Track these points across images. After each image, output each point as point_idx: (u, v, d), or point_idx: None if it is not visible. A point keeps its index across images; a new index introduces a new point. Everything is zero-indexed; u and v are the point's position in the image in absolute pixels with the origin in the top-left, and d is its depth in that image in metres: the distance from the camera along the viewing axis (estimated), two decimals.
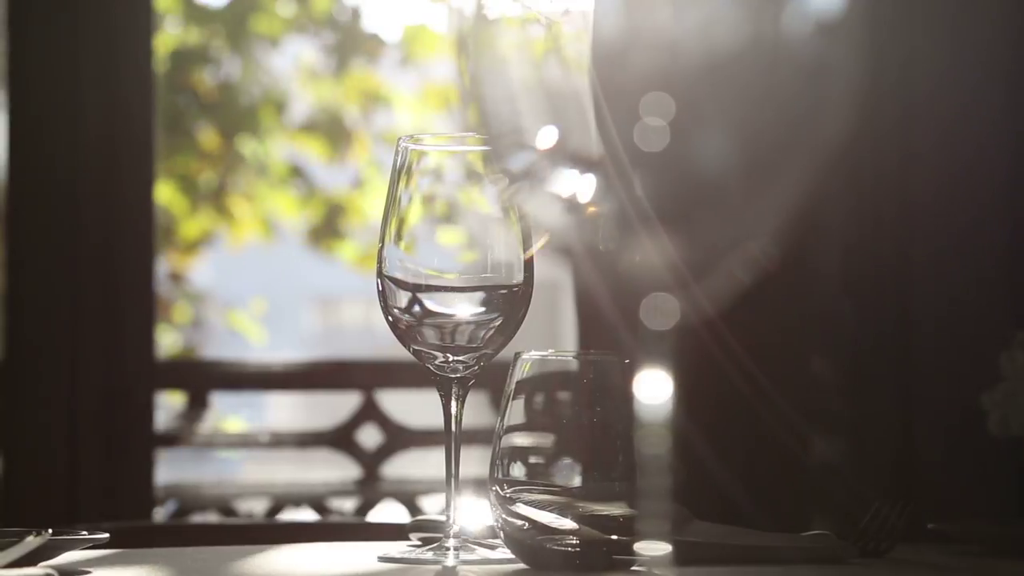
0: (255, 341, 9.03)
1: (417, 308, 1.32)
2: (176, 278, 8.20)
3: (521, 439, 1.24)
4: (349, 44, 7.95)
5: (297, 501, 3.42)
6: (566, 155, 0.70)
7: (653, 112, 0.66)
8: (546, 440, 1.24)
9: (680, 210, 0.68)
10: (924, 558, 1.42)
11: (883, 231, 2.10)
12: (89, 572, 1.20)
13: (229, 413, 7.89)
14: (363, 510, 3.43)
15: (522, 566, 1.23)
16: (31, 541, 1.12)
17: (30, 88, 3.13)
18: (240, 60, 7.99)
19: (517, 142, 0.71)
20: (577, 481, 1.22)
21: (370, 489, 3.42)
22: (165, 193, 7.75)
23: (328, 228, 8.12)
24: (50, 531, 1.16)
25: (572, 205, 0.71)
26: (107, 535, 1.25)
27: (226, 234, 8.17)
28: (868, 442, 2.06)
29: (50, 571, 1.05)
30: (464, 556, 1.28)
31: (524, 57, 0.70)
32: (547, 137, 0.71)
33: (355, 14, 8.00)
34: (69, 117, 3.11)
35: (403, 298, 1.32)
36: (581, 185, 0.70)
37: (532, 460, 1.23)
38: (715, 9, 0.65)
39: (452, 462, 1.32)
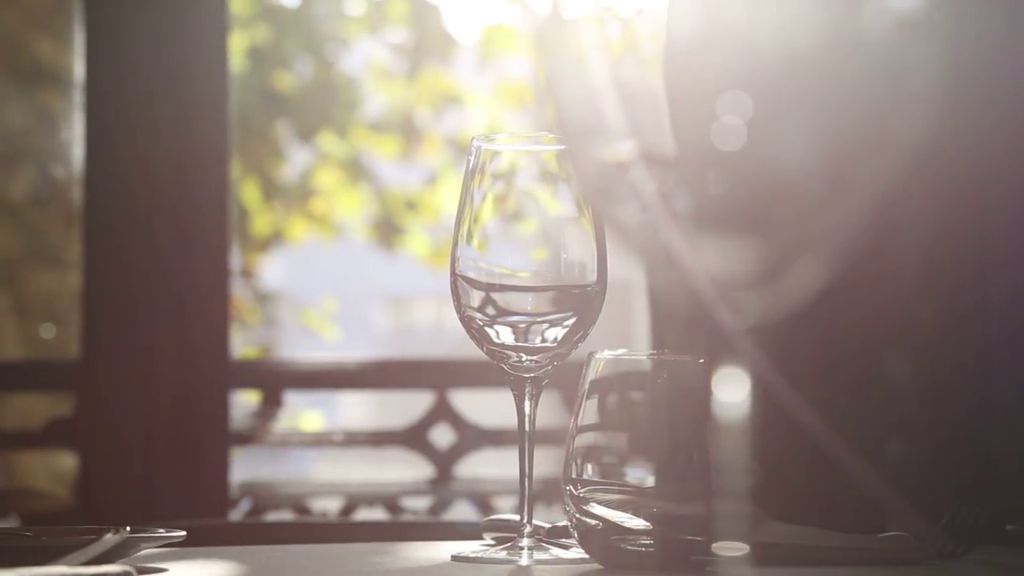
0: (328, 338, 9.08)
1: (490, 307, 1.32)
2: (247, 275, 8.25)
3: (595, 439, 1.24)
4: (423, 45, 7.97)
5: (370, 500, 3.43)
6: (642, 154, 0.70)
7: (731, 111, 0.66)
8: (620, 440, 1.24)
9: (757, 209, 0.68)
10: (1003, 560, 1.40)
11: (961, 231, 2.08)
12: (166, 570, 1.21)
13: (302, 411, 7.94)
14: (436, 509, 3.44)
15: (596, 566, 1.23)
16: (109, 539, 1.13)
17: (106, 89, 3.16)
18: (312, 60, 8.04)
19: (593, 141, 0.71)
20: (651, 481, 1.21)
21: (443, 488, 3.43)
22: (244, 190, 7.82)
23: (390, 225, 8.14)
24: (127, 529, 1.17)
25: (647, 204, 0.70)
26: (183, 533, 1.26)
27: (293, 232, 8.21)
28: (946, 443, 2.04)
29: (127, 568, 1.06)
30: (538, 556, 1.28)
31: (600, 56, 0.70)
32: (623, 136, 0.70)
33: (430, 14, 8.01)
34: (145, 117, 3.13)
35: (476, 297, 1.32)
36: (656, 184, 0.70)
37: (606, 460, 1.23)
38: (794, 7, 0.64)
39: (525, 461, 1.32)
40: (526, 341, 1.31)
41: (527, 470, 1.32)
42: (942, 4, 0.64)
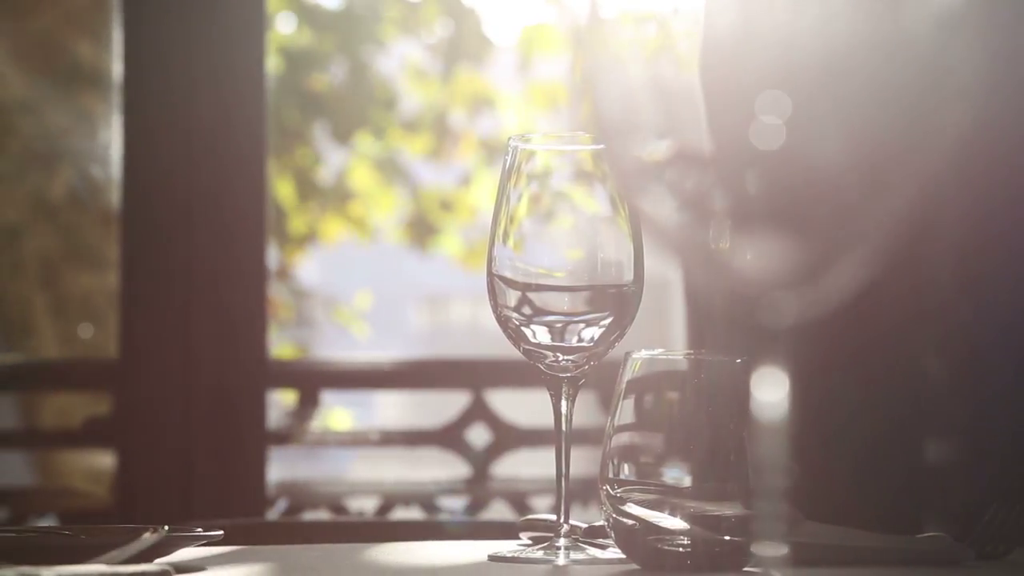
0: (361, 335, 9.09)
1: (527, 307, 1.32)
2: (283, 275, 8.28)
3: (631, 438, 1.23)
4: (457, 46, 7.98)
5: (407, 500, 3.44)
6: (679, 153, 0.70)
7: (769, 110, 0.65)
8: (657, 440, 1.23)
9: (795, 209, 0.68)
10: None
11: (1000, 230, 2.07)
12: (204, 569, 1.22)
13: (337, 411, 7.96)
14: (473, 509, 3.44)
15: (633, 566, 1.23)
16: (147, 538, 1.14)
17: (144, 89, 3.17)
18: (347, 61, 8.05)
19: (630, 140, 0.71)
20: (688, 481, 1.21)
21: (480, 488, 3.43)
22: (280, 189, 7.84)
23: (425, 225, 8.14)
24: (166, 528, 1.17)
25: (684, 203, 0.70)
26: (221, 532, 1.26)
27: (328, 232, 8.22)
28: (984, 443, 2.03)
29: (166, 567, 1.06)
30: (574, 555, 1.28)
31: (637, 55, 0.70)
32: (660, 135, 0.70)
33: (464, 16, 8.01)
34: (182, 117, 3.15)
35: (513, 297, 1.32)
36: (693, 183, 0.70)
37: (642, 460, 1.23)
38: (833, 5, 0.64)
39: (562, 461, 1.32)
40: (562, 341, 1.31)
41: (564, 470, 1.32)
42: (982, 3, 0.64)
